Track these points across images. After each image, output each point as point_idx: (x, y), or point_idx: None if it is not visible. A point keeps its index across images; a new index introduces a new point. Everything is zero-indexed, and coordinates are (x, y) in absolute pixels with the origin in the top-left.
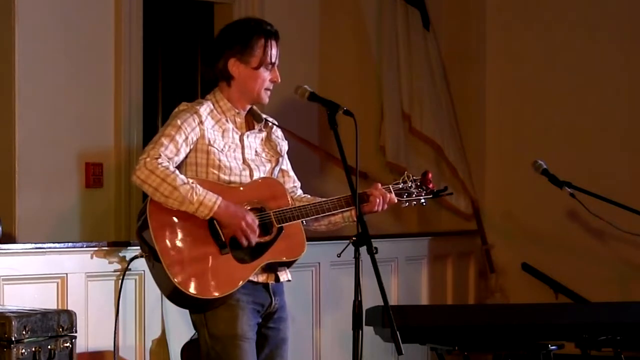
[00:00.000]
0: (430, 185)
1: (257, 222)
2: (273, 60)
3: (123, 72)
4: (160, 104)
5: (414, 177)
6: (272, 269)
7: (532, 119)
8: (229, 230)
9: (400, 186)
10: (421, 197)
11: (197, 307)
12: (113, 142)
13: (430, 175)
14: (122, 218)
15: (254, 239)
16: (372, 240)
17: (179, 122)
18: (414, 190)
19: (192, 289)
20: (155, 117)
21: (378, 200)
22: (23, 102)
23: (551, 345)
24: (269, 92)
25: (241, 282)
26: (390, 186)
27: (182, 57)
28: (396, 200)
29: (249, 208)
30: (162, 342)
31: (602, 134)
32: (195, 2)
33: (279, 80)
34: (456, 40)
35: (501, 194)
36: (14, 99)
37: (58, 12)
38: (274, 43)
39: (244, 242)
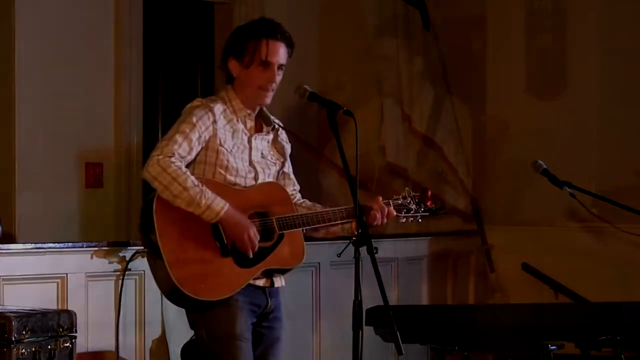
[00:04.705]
0: (429, 203)
1: (258, 237)
2: (265, 58)
3: (123, 73)
4: (160, 104)
5: (414, 194)
6: (269, 274)
7: (532, 119)
8: (231, 237)
9: (400, 202)
10: (418, 214)
11: (194, 306)
12: (113, 142)
13: (429, 193)
14: (122, 218)
15: (251, 252)
16: (372, 240)
17: (194, 119)
18: (412, 207)
19: (190, 289)
20: (155, 117)
21: (378, 215)
22: (23, 102)
23: (551, 345)
24: (266, 92)
25: (239, 286)
26: (390, 201)
27: (182, 57)
28: (395, 214)
29: (253, 212)
30: (162, 342)
31: (602, 134)
32: (195, 2)
33: (275, 80)
34: (456, 40)
35: (501, 194)
36: (14, 99)
37: (58, 12)
38: (269, 42)
39: (242, 251)
